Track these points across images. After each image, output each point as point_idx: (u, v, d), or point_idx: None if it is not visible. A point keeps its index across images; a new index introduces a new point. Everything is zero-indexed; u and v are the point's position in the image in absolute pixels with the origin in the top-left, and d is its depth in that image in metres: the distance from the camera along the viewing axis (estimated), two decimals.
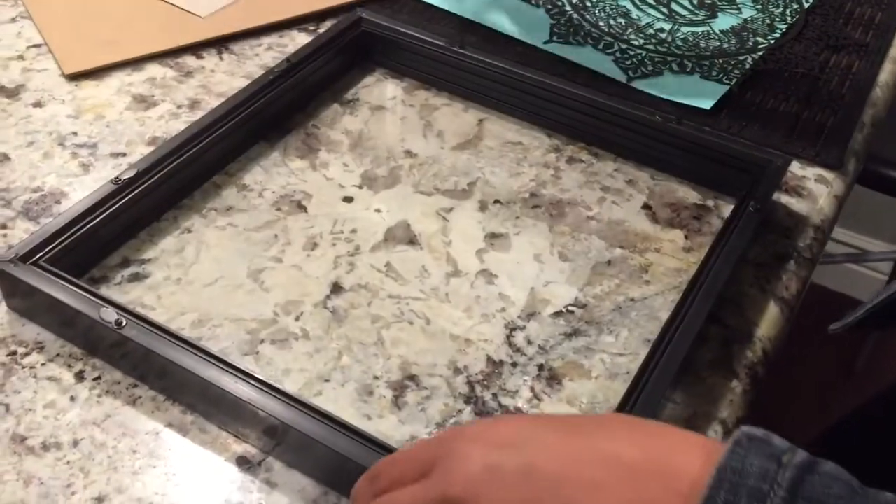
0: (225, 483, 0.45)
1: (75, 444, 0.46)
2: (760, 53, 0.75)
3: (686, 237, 0.60)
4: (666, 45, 0.76)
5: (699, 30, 0.78)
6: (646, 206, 0.62)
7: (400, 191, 0.62)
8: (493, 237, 0.59)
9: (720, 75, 0.72)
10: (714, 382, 0.51)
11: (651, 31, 0.78)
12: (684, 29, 0.78)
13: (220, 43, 0.74)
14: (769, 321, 0.55)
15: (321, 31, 0.76)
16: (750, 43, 0.77)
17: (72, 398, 0.48)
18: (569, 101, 0.66)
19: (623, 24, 0.78)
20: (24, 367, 0.49)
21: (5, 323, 0.52)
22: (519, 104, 0.68)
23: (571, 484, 0.32)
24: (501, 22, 0.77)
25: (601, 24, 0.78)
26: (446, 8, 0.78)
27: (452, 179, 0.63)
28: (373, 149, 0.65)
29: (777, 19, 0.80)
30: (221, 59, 0.73)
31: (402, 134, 0.67)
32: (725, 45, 0.76)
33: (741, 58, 0.75)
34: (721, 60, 0.74)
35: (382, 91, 0.71)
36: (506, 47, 0.75)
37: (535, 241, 0.59)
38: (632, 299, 0.55)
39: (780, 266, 0.58)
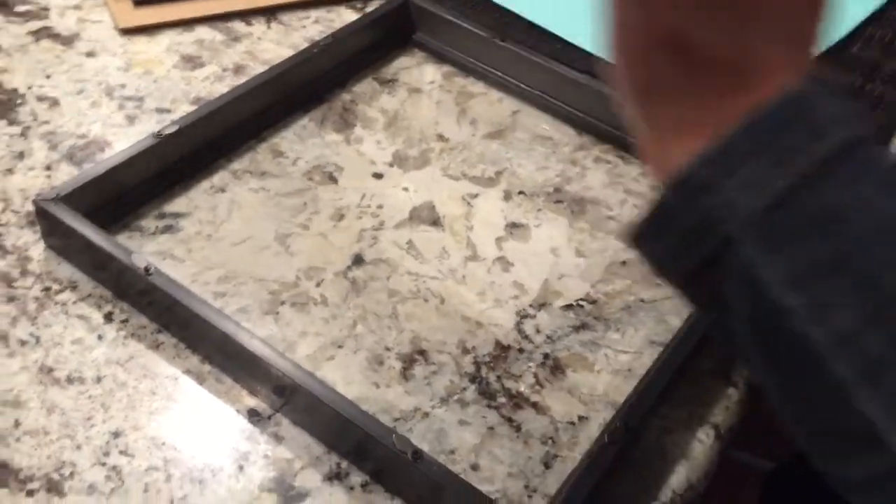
0: (234, 432, 0.47)
1: (98, 380, 0.49)
2: None
3: None
4: None
5: None
6: None
7: (429, 172, 0.64)
8: (513, 226, 0.61)
9: None
10: (711, 387, 0.53)
11: None
12: None
13: (270, 12, 0.76)
14: None
15: (368, 9, 0.77)
16: None
17: (99, 337, 0.51)
18: (600, 101, 0.67)
19: None
20: (56, 303, 0.52)
21: (42, 259, 0.54)
22: (552, 99, 0.70)
23: None
24: (544, 18, 0.78)
25: None
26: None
27: (480, 167, 0.65)
28: (406, 129, 0.67)
29: None
30: (269, 27, 0.75)
31: (437, 117, 0.69)
32: None
33: None
34: None
35: (422, 74, 0.73)
36: (545, 43, 0.76)
37: (554, 235, 0.60)
38: (642, 300, 0.57)
39: None
